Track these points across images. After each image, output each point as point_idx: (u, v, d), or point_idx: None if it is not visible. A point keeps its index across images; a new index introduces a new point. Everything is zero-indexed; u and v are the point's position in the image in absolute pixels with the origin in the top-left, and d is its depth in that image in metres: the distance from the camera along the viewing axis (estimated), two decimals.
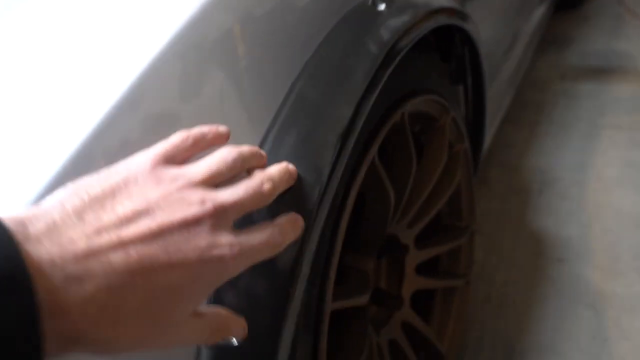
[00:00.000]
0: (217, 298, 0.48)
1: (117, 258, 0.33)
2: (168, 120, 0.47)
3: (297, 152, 0.50)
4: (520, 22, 1.80)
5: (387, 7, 0.63)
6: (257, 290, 0.48)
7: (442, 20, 0.74)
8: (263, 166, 0.46)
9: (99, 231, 0.34)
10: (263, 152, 0.47)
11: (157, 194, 0.37)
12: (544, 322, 1.28)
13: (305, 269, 0.51)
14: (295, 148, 0.50)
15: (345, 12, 0.61)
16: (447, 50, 1.00)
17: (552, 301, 1.33)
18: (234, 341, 0.44)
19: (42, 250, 0.31)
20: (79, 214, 0.34)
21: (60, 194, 0.36)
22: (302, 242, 0.48)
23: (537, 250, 1.50)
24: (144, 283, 0.34)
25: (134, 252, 0.34)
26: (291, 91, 0.54)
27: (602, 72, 2.42)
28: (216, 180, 0.41)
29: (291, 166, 0.48)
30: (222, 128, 0.45)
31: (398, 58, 0.60)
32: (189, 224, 0.37)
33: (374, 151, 0.66)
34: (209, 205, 0.38)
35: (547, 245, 1.50)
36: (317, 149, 0.51)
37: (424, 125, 0.91)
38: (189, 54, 0.49)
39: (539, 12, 2.17)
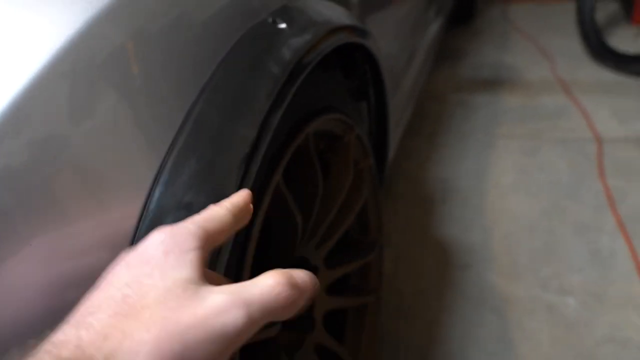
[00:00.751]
0: None
1: None
2: (56, 144, 0.42)
3: (197, 180, 0.46)
4: (417, 37, 1.86)
5: (287, 25, 0.60)
6: None
7: (344, 38, 0.73)
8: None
9: None
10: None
11: None
12: (452, 329, 1.31)
13: None
14: (196, 176, 0.46)
15: (245, 30, 0.58)
16: (349, 67, 1.00)
17: (459, 308, 1.36)
18: None
19: None
20: None
21: None
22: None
23: (444, 258, 1.54)
24: None
25: None
26: (189, 114, 0.50)
27: (494, 84, 2.56)
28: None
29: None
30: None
31: (301, 77, 0.58)
32: None
33: (278, 175, 0.63)
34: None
35: (453, 253, 1.55)
36: (219, 176, 0.47)
37: (329, 144, 0.89)
38: (77, 72, 0.44)
39: (435, 27, 2.26)
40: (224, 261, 0.49)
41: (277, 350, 0.79)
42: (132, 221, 0.48)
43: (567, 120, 2.17)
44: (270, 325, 0.73)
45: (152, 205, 0.46)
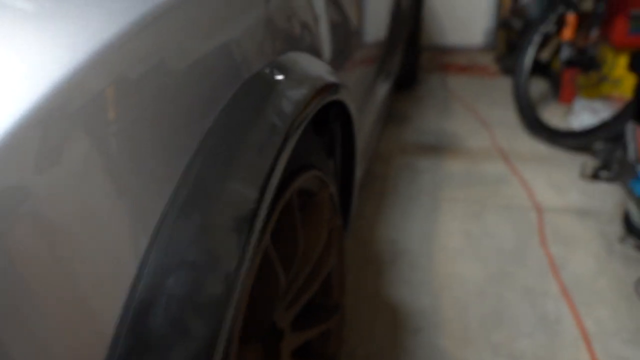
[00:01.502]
0: None
1: None
2: (21, 195, 0.37)
3: (202, 237, 0.42)
4: (370, 97, 1.89)
5: (284, 77, 0.59)
6: None
7: (333, 94, 0.72)
8: None
9: None
10: None
11: None
12: None
13: None
14: (200, 233, 0.42)
15: (242, 81, 0.55)
16: (320, 124, 0.99)
17: None
18: None
19: None
20: None
21: None
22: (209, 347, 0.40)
23: (394, 321, 1.51)
24: None
25: None
26: (189, 169, 0.46)
27: (437, 149, 2.64)
28: None
29: None
30: None
31: (299, 131, 0.56)
32: None
33: (268, 234, 0.60)
34: None
35: (403, 316, 1.53)
36: (223, 234, 0.44)
37: (303, 202, 0.87)
38: (49, 121, 0.40)
39: (384, 90, 2.32)
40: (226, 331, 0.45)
41: None
42: (119, 293, 0.43)
43: (508, 188, 2.26)
44: None
45: (150, 268, 0.42)
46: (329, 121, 0.98)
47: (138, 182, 0.46)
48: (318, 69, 0.72)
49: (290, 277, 0.77)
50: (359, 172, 1.14)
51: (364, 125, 1.75)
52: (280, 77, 0.58)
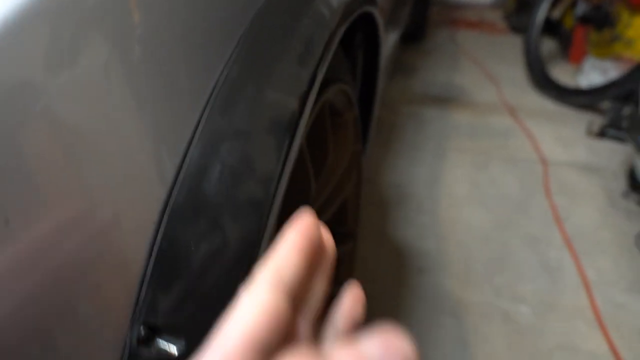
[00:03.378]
0: None
1: None
2: (30, 93, 0.35)
3: (255, 109, 0.42)
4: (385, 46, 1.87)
5: None
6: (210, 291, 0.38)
7: (366, 5, 0.70)
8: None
9: None
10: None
11: None
12: (410, 331, 1.29)
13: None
14: (254, 104, 0.42)
15: None
16: (347, 45, 0.97)
17: (416, 311, 1.35)
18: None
19: None
20: None
21: None
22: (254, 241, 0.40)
23: (399, 261, 1.53)
24: None
25: None
26: (241, 43, 0.45)
27: (444, 101, 2.62)
28: None
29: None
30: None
31: (342, 32, 0.54)
32: None
33: (303, 136, 0.59)
34: None
35: (408, 257, 1.54)
36: (277, 108, 0.43)
37: (331, 120, 0.86)
38: (61, 14, 0.37)
39: (392, 40, 2.28)
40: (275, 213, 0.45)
41: None
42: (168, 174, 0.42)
43: (514, 141, 2.25)
44: None
45: (202, 135, 0.41)
46: (354, 43, 0.97)
47: (167, 83, 0.44)
48: None
49: (318, 188, 0.77)
50: (379, 97, 1.13)
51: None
52: None
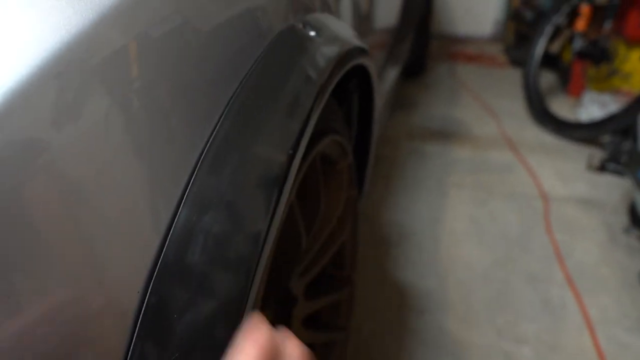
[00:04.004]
0: None
1: None
2: (36, 149, 0.37)
3: (241, 175, 0.42)
4: (379, 84, 1.89)
5: (317, 35, 0.58)
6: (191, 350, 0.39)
7: (359, 58, 0.72)
8: None
9: None
10: None
11: None
12: None
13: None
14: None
15: (276, 34, 0.55)
16: (340, 93, 0.99)
17: (416, 351, 1.34)
18: None
19: None
20: None
21: None
22: (243, 290, 0.40)
23: (400, 301, 1.52)
24: None
25: None
26: (230, 106, 0.46)
27: (444, 135, 2.64)
28: None
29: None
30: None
31: (331, 86, 0.55)
32: None
33: (293, 192, 0.60)
34: None
35: (409, 297, 1.53)
36: (263, 170, 0.44)
37: (324, 169, 0.87)
38: (67, 73, 0.39)
39: (393, 74, 2.31)
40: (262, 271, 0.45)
41: None
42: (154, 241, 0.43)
43: (515, 176, 2.26)
44: None
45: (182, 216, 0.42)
46: (348, 91, 0.98)
47: (162, 140, 0.45)
48: (346, 30, 0.71)
49: (309, 242, 0.77)
50: (374, 144, 1.14)
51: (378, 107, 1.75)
52: (312, 32, 0.58)
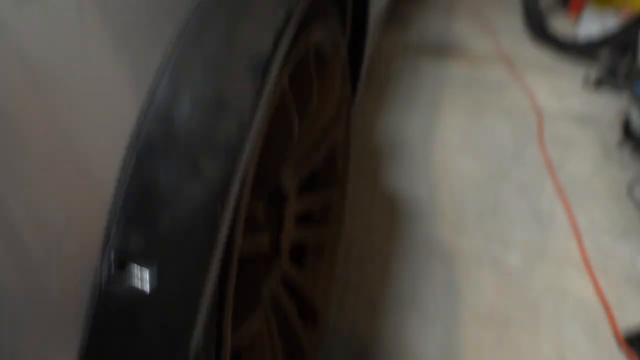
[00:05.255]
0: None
1: None
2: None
3: (215, 71, 0.41)
4: None
5: None
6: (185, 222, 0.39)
7: None
8: None
9: None
10: None
11: None
12: (402, 275, 1.31)
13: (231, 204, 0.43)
14: (212, 66, 0.41)
15: None
16: None
17: (408, 256, 1.37)
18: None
19: None
20: None
21: None
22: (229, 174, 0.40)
23: (391, 208, 1.54)
24: None
25: None
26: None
27: (439, 52, 2.59)
28: None
29: None
30: None
31: None
32: None
33: (285, 76, 0.58)
34: None
35: (401, 205, 1.55)
36: (250, 48, 0.42)
37: (317, 66, 0.85)
38: None
39: None
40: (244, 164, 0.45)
41: (249, 274, 0.75)
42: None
43: (510, 92, 2.24)
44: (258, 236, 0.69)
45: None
46: None
47: (136, 10, 0.43)
48: None
49: (300, 137, 0.76)
50: (369, 49, 1.11)
51: (373, 13, 1.69)
52: None
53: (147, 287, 0.43)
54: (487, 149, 1.83)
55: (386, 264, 1.34)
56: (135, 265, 0.43)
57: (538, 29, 2.72)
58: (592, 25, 2.75)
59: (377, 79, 2.27)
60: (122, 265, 0.43)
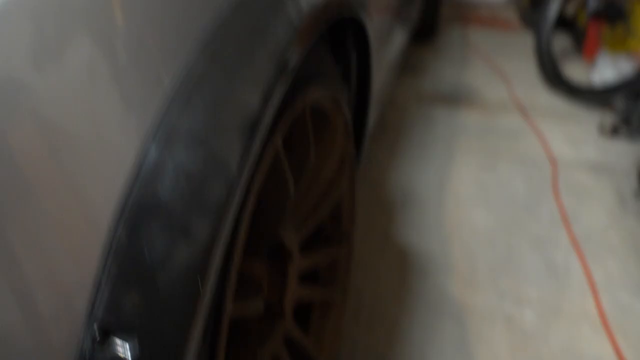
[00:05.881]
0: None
1: None
2: (15, 91, 0.36)
3: (205, 132, 0.41)
4: (387, 42, 1.85)
5: None
6: (164, 293, 0.38)
7: (354, 10, 0.69)
8: None
9: None
10: None
11: None
12: (411, 334, 1.28)
13: (213, 273, 0.42)
14: (203, 126, 0.41)
15: None
16: (338, 50, 0.96)
17: (418, 314, 1.34)
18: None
19: None
20: None
21: None
22: (211, 241, 0.39)
23: (403, 264, 1.51)
24: None
25: None
26: (196, 62, 0.44)
27: (453, 100, 2.60)
28: None
29: None
30: None
31: (316, 34, 0.53)
32: None
33: (279, 138, 0.58)
34: None
35: (412, 259, 1.53)
36: (238, 110, 0.42)
37: (317, 123, 0.85)
38: (45, 14, 0.38)
39: (402, 37, 2.26)
40: (228, 228, 0.44)
41: (249, 337, 0.73)
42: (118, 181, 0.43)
43: (524, 140, 2.22)
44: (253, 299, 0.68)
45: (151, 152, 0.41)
46: (345, 47, 0.95)
47: (140, 79, 0.44)
48: None
49: (301, 194, 0.76)
50: (374, 105, 1.12)
51: (380, 68, 1.71)
52: None
53: (129, 358, 0.43)
54: (501, 200, 1.81)
55: (396, 322, 1.31)
56: (118, 336, 0.43)
57: (552, 75, 2.72)
58: (606, 70, 2.74)
59: (390, 128, 2.27)
60: (105, 335, 0.43)
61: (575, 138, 2.25)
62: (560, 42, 3.31)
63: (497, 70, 2.99)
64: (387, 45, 1.81)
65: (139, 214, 0.41)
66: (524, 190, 1.87)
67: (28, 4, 0.37)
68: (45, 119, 0.38)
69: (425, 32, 3.34)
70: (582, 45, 3.11)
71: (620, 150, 2.14)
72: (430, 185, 1.88)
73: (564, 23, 3.19)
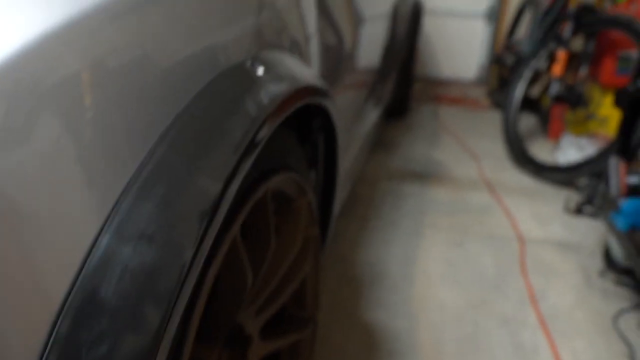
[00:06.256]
0: None
1: None
2: None
3: (153, 227, 0.42)
4: (357, 121, 1.91)
5: (265, 72, 0.59)
6: None
7: (316, 98, 0.72)
8: None
9: None
10: None
11: None
12: None
13: None
14: (152, 222, 0.42)
15: (221, 70, 0.55)
16: (304, 133, 0.99)
17: None
18: None
19: None
20: None
21: None
22: (158, 331, 0.39)
23: (369, 342, 1.49)
24: None
25: None
26: (153, 151, 0.46)
27: (423, 176, 2.65)
28: None
29: None
30: None
31: (276, 125, 0.55)
32: None
33: (236, 228, 0.59)
34: None
35: (379, 338, 1.51)
36: (181, 222, 0.43)
37: (279, 206, 0.86)
38: (16, 95, 0.39)
39: (373, 116, 2.34)
40: (178, 317, 0.44)
41: None
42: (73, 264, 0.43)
43: (492, 218, 2.26)
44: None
45: (105, 241, 0.41)
46: (312, 131, 0.98)
47: (103, 165, 0.45)
48: (302, 70, 0.72)
49: (261, 280, 0.76)
50: (340, 187, 1.14)
51: (351, 146, 1.76)
52: (260, 70, 0.58)
53: None
54: (469, 277, 1.82)
55: None
56: None
57: (519, 153, 2.81)
58: (570, 151, 2.85)
59: (360, 203, 2.30)
60: None
61: (542, 216, 2.30)
62: (527, 122, 3.44)
63: (466, 148, 3.08)
64: (357, 126, 1.87)
65: (82, 307, 0.41)
66: (492, 268, 1.89)
67: (2, 84, 0.38)
68: (5, 194, 0.38)
69: (398, 110, 3.45)
70: (547, 126, 3.24)
71: (585, 229, 2.19)
72: (399, 261, 1.89)
73: (530, 104, 3.34)
